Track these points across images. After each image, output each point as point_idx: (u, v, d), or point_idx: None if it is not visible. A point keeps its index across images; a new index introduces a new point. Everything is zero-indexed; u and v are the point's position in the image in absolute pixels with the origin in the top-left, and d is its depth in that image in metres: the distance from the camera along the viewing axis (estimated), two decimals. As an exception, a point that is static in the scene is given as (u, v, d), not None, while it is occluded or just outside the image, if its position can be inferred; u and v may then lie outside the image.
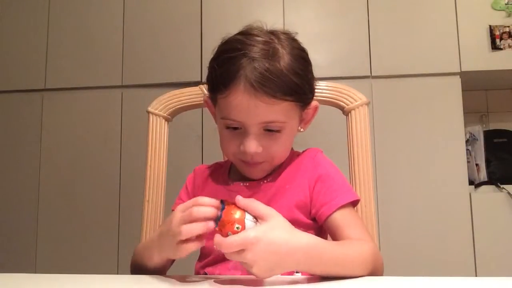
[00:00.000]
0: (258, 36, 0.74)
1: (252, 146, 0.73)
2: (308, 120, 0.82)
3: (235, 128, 0.75)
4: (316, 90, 0.92)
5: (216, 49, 0.77)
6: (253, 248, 0.56)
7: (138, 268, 0.74)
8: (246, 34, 0.75)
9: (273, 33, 0.76)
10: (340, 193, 0.75)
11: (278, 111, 0.72)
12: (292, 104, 0.74)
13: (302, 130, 0.82)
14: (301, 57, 0.75)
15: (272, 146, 0.75)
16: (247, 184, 0.80)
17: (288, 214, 0.68)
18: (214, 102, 0.79)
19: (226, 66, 0.72)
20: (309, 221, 0.76)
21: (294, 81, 0.72)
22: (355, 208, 0.79)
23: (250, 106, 0.71)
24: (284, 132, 0.75)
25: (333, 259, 0.62)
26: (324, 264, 0.61)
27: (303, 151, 0.84)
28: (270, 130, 0.74)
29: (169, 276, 0.65)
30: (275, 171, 0.81)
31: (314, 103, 0.81)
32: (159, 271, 0.71)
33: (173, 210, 0.85)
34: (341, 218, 0.73)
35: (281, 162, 0.80)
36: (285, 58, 0.72)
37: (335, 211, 0.73)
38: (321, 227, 0.77)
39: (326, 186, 0.76)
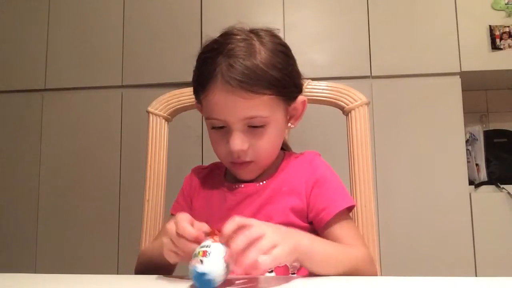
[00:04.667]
0: (236, 35, 0.74)
1: (237, 143, 0.72)
2: (297, 116, 0.81)
3: (221, 128, 0.75)
4: (316, 90, 0.92)
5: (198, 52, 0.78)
6: (255, 223, 0.56)
7: (147, 268, 0.75)
8: (224, 35, 0.76)
9: (252, 31, 0.76)
10: (338, 198, 0.75)
11: (258, 105, 0.71)
12: (273, 98, 0.73)
13: (292, 126, 0.81)
14: (280, 51, 0.75)
15: (257, 142, 0.74)
16: (243, 185, 0.79)
17: (284, 217, 0.68)
18: (200, 104, 0.79)
19: (203, 67, 0.74)
20: (305, 225, 0.75)
21: (273, 75, 0.72)
22: (350, 213, 0.79)
23: (228, 102, 0.71)
24: (268, 127, 0.74)
25: (324, 249, 0.64)
26: (319, 250, 0.62)
27: (301, 154, 0.83)
28: (254, 127, 0.73)
29: (167, 276, 0.65)
30: (271, 173, 0.80)
31: (301, 97, 0.80)
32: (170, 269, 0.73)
33: (172, 214, 0.85)
34: (337, 225, 0.73)
35: (271, 162, 0.79)
36: (262, 53, 0.72)
37: (333, 217, 0.73)
38: (316, 231, 0.77)
39: (323, 190, 0.76)
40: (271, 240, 0.55)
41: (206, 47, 0.77)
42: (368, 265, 0.69)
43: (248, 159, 0.75)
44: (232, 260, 0.54)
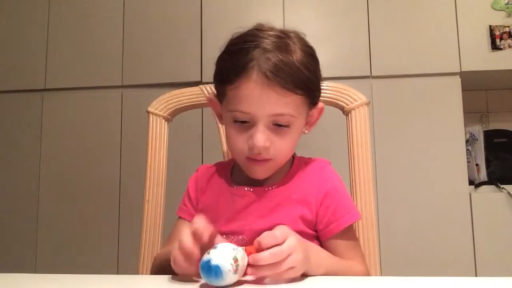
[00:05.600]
0: (270, 31, 0.74)
1: (261, 139, 0.71)
2: (313, 122, 0.81)
3: (243, 122, 0.73)
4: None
5: (226, 43, 0.77)
6: (288, 233, 0.60)
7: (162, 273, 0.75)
8: (258, 29, 0.75)
9: (283, 31, 0.76)
10: (347, 212, 0.76)
11: (289, 103, 0.71)
12: (302, 99, 0.73)
13: (306, 132, 0.81)
14: (311, 54, 0.76)
15: (279, 141, 0.73)
16: (252, 189, 0.78)
17: (293, 226, 0.67)
18: (222, 96, 0.77)
19: (237, 57, 0.72)
20: (313, 233, 0.76)
21: (306, 75, 0.72)
22: (353, 224, 0.80)
23: (262, 96, 0.70)
24: (292, 128, 0.74)
25: (330, 264, 0.68)
26: (324, 266, 0.66)
27: (311, 159, 0.83)
28: (279, 125, 0.73)
29: (168, 276, 0.65)
30: (281, 177, 0.79)
31: (320, 104, 0.80)
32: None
33: (179, 216, 0.84)
34: (343, 239, 0.75)
35: (283, 164, 0.79)
36: (297, 53, 0.72)
37: (340, 231, 0.75)
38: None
39: (334, 202, 0.76)
40: (294, 261, 0.58)
41: (239, 39, 0.75)
42: None
43: (267, 157, 0.74)
44: (244, 260, 0.56)
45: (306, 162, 0.82)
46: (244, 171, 0.79)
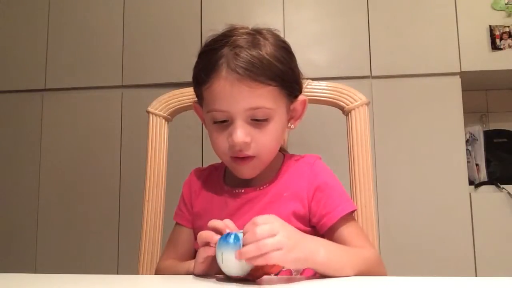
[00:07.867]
0: (240, 29, 0.75)
1: (240, 135, 0.71)
2: (298, 116, 0.81)
3: (223, 122, 0.73)
4: (316, 90, 0.92)
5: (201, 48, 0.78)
6: (273, 220, 0.59)
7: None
8: (228, 30, 0.77)
9: (254, 29, 0.77)
10: (340, 202, 0.75)
11: (263, 96, 0.71)
12: (278, 90, 0.73)
13: (292, 127, 0.81)
14: (283, 47, 0.76)
15: (260, 136, 0.73)
16: (243, 190, 0.78)
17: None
18: (201, 99, 0.78)
19: (208, 57, 0.74)
20: (307, 229, 0.75)
21: (277, 66, 0.72)
22: (353, 215, 0.79)
23: (233, 92, 0.70)
24: (272, 121, 0.73)
25: (340, 256, 0.64)
26: (330, 253, 0.62)
27: (301, 156, 0.83)
28: (257, 120, 0.73)
29: (168, 276, 0.65)
30: (272, 177, 0.79)
31: (301, 97, 0.80)
32: None
33: (177, 222, 0.84)
34: (343, 228, 0.73)
35: (271, 160, 0.78)
36: (267, 47, 0.73)
37: (336, 221, 0.73)
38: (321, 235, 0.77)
39: (326, 195, 0.75)
40: (277, 243, 0.56)
41: (209, 41, 0.77)
42: (378, 266, 0.69)
43: (250, 153, 0.73)
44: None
45: (296, 159, 0.82)
46: (232, 171, 0.78)
